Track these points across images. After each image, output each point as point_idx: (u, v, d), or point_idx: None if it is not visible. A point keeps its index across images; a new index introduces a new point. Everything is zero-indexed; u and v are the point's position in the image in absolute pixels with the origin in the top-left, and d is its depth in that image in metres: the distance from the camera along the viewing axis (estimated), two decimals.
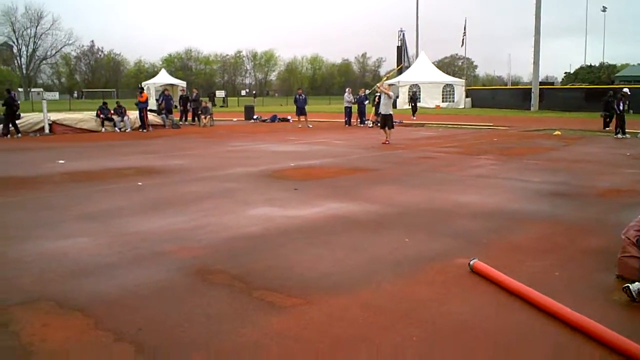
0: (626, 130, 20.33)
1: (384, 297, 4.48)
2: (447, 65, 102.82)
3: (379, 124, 25.88)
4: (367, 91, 30.17)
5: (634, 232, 5.05)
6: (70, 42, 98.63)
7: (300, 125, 25.98)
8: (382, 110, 18.07)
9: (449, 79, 54.07)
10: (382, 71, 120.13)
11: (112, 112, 24.09)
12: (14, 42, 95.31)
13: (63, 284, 4.82)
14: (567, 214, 7.46)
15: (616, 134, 20.30)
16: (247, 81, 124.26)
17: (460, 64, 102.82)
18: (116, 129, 23.66)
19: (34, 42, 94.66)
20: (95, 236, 6.39)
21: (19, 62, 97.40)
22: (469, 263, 5.09)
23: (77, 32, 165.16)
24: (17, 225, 6.99)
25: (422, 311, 4.21)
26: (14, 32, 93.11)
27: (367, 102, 28.65)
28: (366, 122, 27.33)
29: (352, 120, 27.38)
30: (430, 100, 48.95)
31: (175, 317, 4.10)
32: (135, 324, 3.98)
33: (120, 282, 4.84)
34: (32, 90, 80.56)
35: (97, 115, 23.66)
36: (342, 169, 11.84)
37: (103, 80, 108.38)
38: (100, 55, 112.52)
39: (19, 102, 22.39)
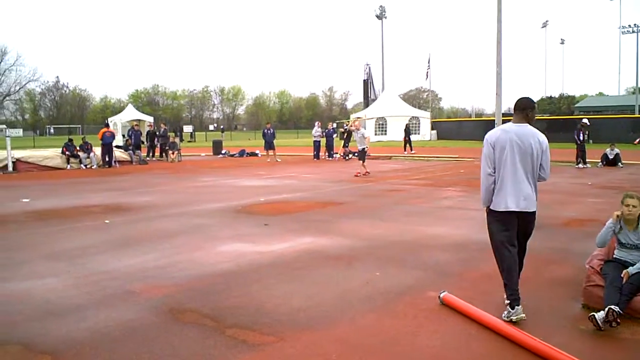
0: (587, 160, 20.92)
1: (357, 332, 4.50)
2: (413, 98, 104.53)
3: (346, 157, 26.23)
4: (335, 125, 30.49)
5: (598, 262, 5.20)
6: (34, 77, 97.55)
7: (269, 160, 26.03)
8: (358, 146, 19.03)
9: (415, 111, 54.99)
10: (349, 104, 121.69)
11: (78, 148, 23.82)
12: None
13: (31, 326, 4.72)
14: (533, 244, 7.56)
15: (577, 163, 20.85)
16: (214, 115, 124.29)
17: (425, 96, 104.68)
18: (82, 165, 23.37)
19: None
20: (63, 276, 6.29)
21: None
22: (439, 296, 5.16)
23: (42, 68, 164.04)
24: None
25: (395, 345, 4.25)
26: None
27: (335, 135, 28.93)
28: (334, 155, 27.55)
29: (320, 154, 27.56)
30: (397, 133, 49.61)
31: (146, 358, 4.05)
32: None
33: (89, 323, 4.76)
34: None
35: (63, 152, 23.36)
36: (312, 203, 11.89)
37: (68, 116, 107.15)
38: (65, 91, 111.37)
39: None
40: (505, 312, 4.63)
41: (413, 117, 51.24)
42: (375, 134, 50.39)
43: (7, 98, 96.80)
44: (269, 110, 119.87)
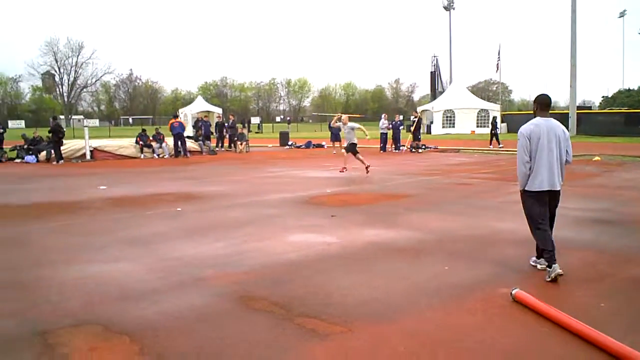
0: None
1: (426, 326, 4.46)
2: (482, 90, 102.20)
3: (412, 150, 26.02)
4: (401, 117, 30.22)
5: None
6: (109, 70, 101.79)
7: (335, 152, 26.07)
8: (346, 140, 16.84)
9: (484, 104, 53.69)
10: (416, 97, 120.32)
11: (151, 138, 24.63)
12: (56, 71, 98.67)
13: (109, 308, 4.93)
14: (610, 242, 7.32)
15: None
16: (281, 107, 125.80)
17: (494, 88, 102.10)
18: (155, 155, 24.15)
19: (75, 71, 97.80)
20: (139, 261, 6.54)
21: (61, 90, 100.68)
22: (511, 292, 5.04)
23: (117, 61, 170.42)
24: (63, 249, 7.20)
25: (465, 340, 4.18)
26: (56, 61, 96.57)
27: (402, 127, 28.67)
28: (401, 148, 27.34)
29: (387, 146, 27.41)
30: (465, 125, 48.70)
31: (218, 343, 4.16)
32: (179, 349, 4.05)
33: (164, 307, 4.93)
34: (73, 117, 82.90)
35: (137, 142, 24.21)
36: (378, 195, 11.84)
37: (141, 107, 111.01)
38: (138, 83, 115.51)
39: (64, 129, 23.12)
40: (546, 271, 5.64)
41: (482, 109, 50.14)
42: (443, 127, 49.68)
43: (85, 90, 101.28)
44: (335, 102, 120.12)
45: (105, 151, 23.41)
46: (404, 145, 27.33)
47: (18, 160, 22.56)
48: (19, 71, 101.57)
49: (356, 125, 16.83)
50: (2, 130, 24.19)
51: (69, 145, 22.93)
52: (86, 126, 24.70)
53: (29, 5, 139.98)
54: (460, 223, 8.68)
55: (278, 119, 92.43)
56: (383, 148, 27.29)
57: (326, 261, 6.47)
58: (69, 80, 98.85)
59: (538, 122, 5.73)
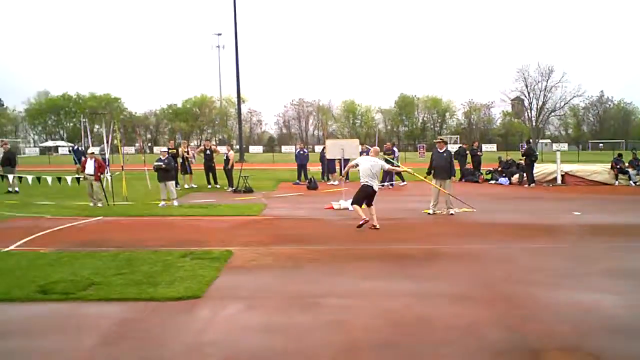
0: None
1: None
2: None
3: None
4: None
5: None
6: (579, 93, 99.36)
7: None
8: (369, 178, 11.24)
9: None
10: None
11: (627, 164, 23.08)
12: (525, 96, 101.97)
13: (598, 338, 4.90)
14: None
15: None
16: None
17: None
18: (631, 182, 22.53)
19: (544, 95, 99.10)
20: (623, 295, 6.28)
21: (529, 114, 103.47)
22: None
23: (586, 83, 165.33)
24: (546, 271, 7.43)
25: None
26: (526, 87, 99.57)
27: None
28: None
29: None
30: None
31: None
32: None
33: None
34: (541, 141, 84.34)
35: (612, 167, 23.05)
36: None
37: (612, 130, 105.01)
38: (609, 105, 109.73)
39: (536, 152, 23.81)
40: None
41: None
42: None
43: (552, 114, 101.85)
44: None
45: (576, 176, 23.03)
46: None
47: (492, 182, 24.23)
48: (492, 98, 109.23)
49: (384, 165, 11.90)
50: (480, 154, 26.47)
51: (540, 169, 23.44)
52: (558, 150, 24.80)
53: (503, 38, 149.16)
54: None
55: None
56: None
57: None
58: (537, 104, 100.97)
59: None
